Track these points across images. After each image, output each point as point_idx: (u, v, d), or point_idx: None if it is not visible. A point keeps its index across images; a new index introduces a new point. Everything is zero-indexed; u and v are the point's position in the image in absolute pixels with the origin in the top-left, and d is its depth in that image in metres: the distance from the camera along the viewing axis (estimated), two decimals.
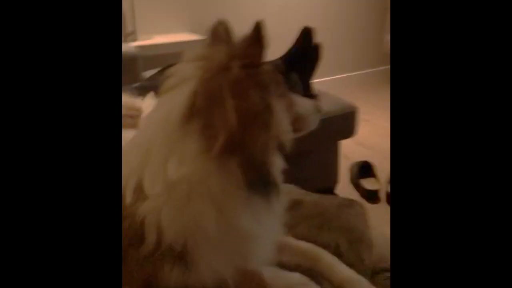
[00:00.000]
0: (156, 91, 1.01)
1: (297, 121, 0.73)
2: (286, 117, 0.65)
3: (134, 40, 2.36)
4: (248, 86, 0.58)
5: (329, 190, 1.78)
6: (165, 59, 2.26)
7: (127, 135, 0.64)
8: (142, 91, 1.13)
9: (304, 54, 1.62)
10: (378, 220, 1.63)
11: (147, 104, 1.02)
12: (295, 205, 0.87)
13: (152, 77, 1.62)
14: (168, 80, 0.65)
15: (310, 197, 0.95)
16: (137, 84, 1.47)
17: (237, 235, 0.63)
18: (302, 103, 0.75)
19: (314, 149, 1.61)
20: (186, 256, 0.60)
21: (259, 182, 0.60)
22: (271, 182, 0.62)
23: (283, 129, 0.63)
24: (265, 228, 0.65)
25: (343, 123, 1.63)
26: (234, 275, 0.64)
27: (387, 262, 0.81)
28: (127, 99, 1.03)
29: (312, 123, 0.76)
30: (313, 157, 1.65)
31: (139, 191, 0.60)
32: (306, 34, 1.63)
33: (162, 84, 0.66)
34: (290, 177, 0.71)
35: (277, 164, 0.68)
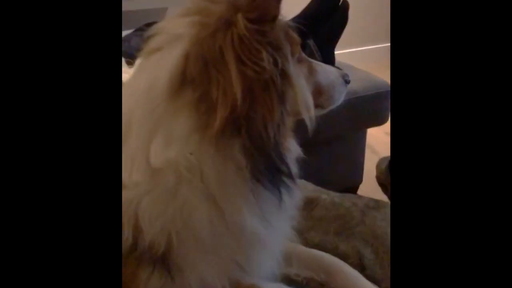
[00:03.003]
0: (130, 57, 1.02)
1: (318, 94, 0.73)
2: (306, 87, 0.65)
3: None
4: (257, 46, 0.57)
5: (351, 190, 1.79)
6: (145, 15, 2.27)
7: None
8: None
9: (326, 16, 1.61)
10: None
11: None
12: (308, 204, 0.87)
13: (125, 38, 1.58)
14: (153, 40, 0.64)
15: (327, 196, 0.95)
16: None
17: (235, 238, 0.63)
18: (325, 71, 0.74)
19: (336, 137, 1.61)
20: (169, 260, 0.60)
21: (268, 172, 0.59)
22: (284, 172, 0.61)
23: (303, 102, 0.63)
24: (272, 231, 0.65)
25: (373, 105, 1.62)
26: None
27: None
28: None
29: (337, 98, 0.76)
30: (333, 147, 1.65)
31: None
32: None
33: (145, 45, 0.65)
34: (303, 170, 0.72)
35: (293, 149, 0.68)
